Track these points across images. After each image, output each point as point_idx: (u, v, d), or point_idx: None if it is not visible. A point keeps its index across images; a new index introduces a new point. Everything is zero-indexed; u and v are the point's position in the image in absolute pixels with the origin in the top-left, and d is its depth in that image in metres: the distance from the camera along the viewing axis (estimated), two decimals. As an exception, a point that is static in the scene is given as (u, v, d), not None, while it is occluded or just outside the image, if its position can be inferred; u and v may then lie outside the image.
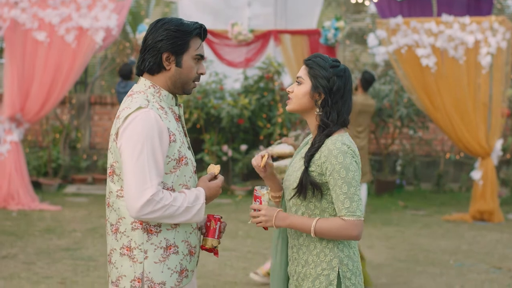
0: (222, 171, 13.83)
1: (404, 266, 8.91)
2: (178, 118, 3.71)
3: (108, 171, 3.64)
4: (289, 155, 7.51)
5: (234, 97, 14.26)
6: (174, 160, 3.54)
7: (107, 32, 12.10)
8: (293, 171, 3.77)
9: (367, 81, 11.66)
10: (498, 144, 12.18)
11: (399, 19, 12.27)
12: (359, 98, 11.55)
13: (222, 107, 13.86)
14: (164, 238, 3.56)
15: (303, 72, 3.74)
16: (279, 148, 7.54)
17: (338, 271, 3.62)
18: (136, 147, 3.43)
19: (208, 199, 3.66)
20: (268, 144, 13.70)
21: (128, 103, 3.57)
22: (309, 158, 3.64)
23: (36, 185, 13.38)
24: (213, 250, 3.79)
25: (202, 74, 3.72)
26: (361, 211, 3.57)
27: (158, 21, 3.66)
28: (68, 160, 14.85)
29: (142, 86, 3.65)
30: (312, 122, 3.74)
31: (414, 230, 11.19)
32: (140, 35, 12.87)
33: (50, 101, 12.12)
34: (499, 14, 15.73)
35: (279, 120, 13.72)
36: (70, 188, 14.11)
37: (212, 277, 8.08)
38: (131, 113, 3.48)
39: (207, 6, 15.72)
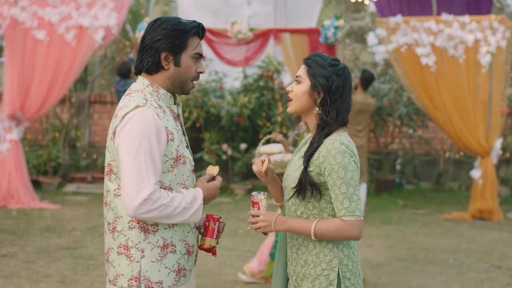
0: (222, 170, 13.90)
1: (404, 265, 8.92)
2: (177, 117, 3.71)
3: (106, 169, 3.63)
4: (278, 153, 7.54)
5: (233, 95, 14.26)
6: (172, 159, 3.53)
7: (107, 30, 12.10)
8: (292, 170, 3.76)
9: (367, 80, 11.66)
10: (498, 143, 12.18)
11: (398, 18, 12.27)
12: (358, 97, 11.55)
13: (222, 106, 13.86)
14: (161, 237, 3.56)
15: (302, 71, 3.73)
16: (267, 148, 7.55)
17: (338, 271, 3.62)
18: (133, 145, 3.43)
19: (206, 200, 3.66)
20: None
21: (125, 102, 3.57)
22: (308, 158, 3.63)
23: (36, 184, 13.38)
24: (211, 250, 3.79)
25: (201, 72, 3.72)
26: (360, 211, 3.56)
27: (155, 20, 3.65)
28: (67, 159, 14.85)
29: (140, 84, 3.65)
30: (312, 121, 3.73)
31: (413, 229, 11.20)
32: (140, 34, 12.86)
33: (50, 99, 12.12)
34: (498, 13, 15.74)
35: (279, 119, 13.72)
36: (70, 187, 14.11)
37: (212, 276, 8.09)
38: (129, 112, 3.48)
39: (206, 5, 15.71)
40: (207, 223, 3.76)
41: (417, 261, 9.14)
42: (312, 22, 15.10)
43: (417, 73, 12.27)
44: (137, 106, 3.48)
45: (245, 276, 7.86)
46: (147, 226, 3.54)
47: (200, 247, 3.78)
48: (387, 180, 14.73)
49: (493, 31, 11.89)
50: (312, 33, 13.26)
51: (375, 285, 8.02)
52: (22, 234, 9.93)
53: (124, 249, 3.57)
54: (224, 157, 14.10)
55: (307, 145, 3.77)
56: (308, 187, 3.61)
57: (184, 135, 3.74)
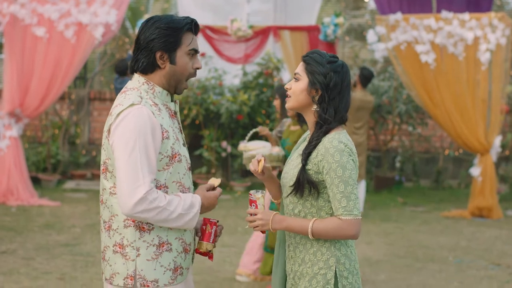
0: (221, 167, 13.91)
1: (403, 263, 8.92)
2: (174, 115, 3.69)
3: (101, 168, 3.62)
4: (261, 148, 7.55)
5: (233, 93, 14.25)
6: (167, 157, 3.52)
7: (107, 27, 12.09)
8: (290, 168, 3.75)
9: (366, 77, 11.68)
10: (497, 140, 12.18)
11: (398, 16, 12.26)
12: (357, 94, 11.57)
13: (221, 103, 13.85)
14: (157, 236, 3.55)
15: (300, 68, 3.71)
16: (251, 145, 7.55)
17: (335, 270, 3.60)
18: (128, 144, 3.42)
19: (204, 208, 3.63)
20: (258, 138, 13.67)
21: (121, 100, 3.55)
22: (306, 156, 3.62)
23: (35, 181, 13.38)
24: (208, 254, 3.76)
25: (198, 68, 3.69)
26: (358, 210, 3.54)
27: (148, 20, 3.63)
28: (67, 156, 14.85)
29: (136, 82, 3.63)
30: (310, 118, 3.71)
31: (413, 226, 11.20)
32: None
33: (49, 96, 12.11)
34: (498, 10, 15.75)
35: (278, 116, 13.70)
36: (69, 184, 14.11)
37: (211, 273, 8.09)
38: (123, 110, 3.47)
39: (206, 2, 15.70)
40: (204, 227, 3.74)
41: (417, 259, 9.14)
42: (311, 20, 15.09)
43: (416, 71, 12.27)
44: (132, 104, 3.47)
45: (242, 277, 7.87)
46: (142, 225, 3.53)
47: (197, 251, 3.75)
48: (386, 177, 14.74)
49: (493, 29, 11.88)
50: (311, 30, 13.27)
51: (374, 282, 8.03)
52: (21, 231, 9.93)
53: (119, 247, 3.56)
54: (223, 154, 14.10)
55: (305, 143, 3.75)
56: (306, 185, 3.60)
57: (181, 132, 3.73)
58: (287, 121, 7.62)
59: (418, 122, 14.93)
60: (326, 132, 3.63)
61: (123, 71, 13.08)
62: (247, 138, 7.63)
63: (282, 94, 7.88)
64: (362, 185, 11.78)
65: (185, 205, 3.52)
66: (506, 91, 13.12)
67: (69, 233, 9.90)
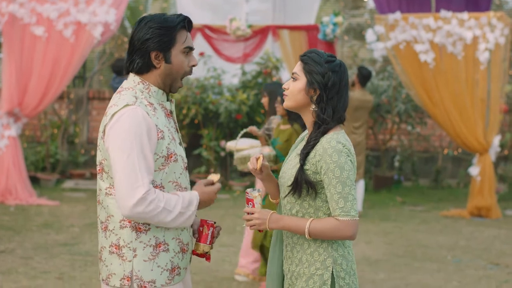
0: (220, 167, 13.91)
1: (402, 262, 8.92)
2: (170, 114, 3.68)
3: (98, 168, 3.61)
4: (249, 148, 7.54)
5: (232, 92, 14.24)
6: (163, 157, 3.51)
7: (106, 27, 12.08)
8: (288, 168, 3.73)
9: (364, 76, 11.69)
10: (496, 140, 12.18)
11: (397, 15, 12.26)
12: (356, 93, 11.58)
13: (220, 103, 13.85)
14: (154, 236, 3.53)
15: (298, 68, 3.70)
16: (241, 144, 7.55)
17: (332, 271, 3.60)
18: (124, 145, 3.40)
19: (202, 203, 3.62)
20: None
21: (116, 100, 3.54)
22: (304, 156, 3.61)
23: (34, 180, 13.38)
24: (205, 256, 3.75)
25: (194, 66, 3.68)
26: (355, 211, 3.53)
27: (141, 20, 3.61)
28: (66, 155, 14.84)
29: (131, 82, 3.62)
30: (308, 118, 3.70)
31: (412, 225, 11.20)
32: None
33: (48, 95, 12.11)
34: (497, 9, 15.75)
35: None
36: (68, 183, 14.11)
37: (210, 273, 8.09)
38: (118, 111, 3.46)
39: (205, 1, 15.70)
40: (201, 228, 3.73)
41: (415, 258, 9.14)
42: (310, 19, 15.09)
43: (415, 70, 12.27)
44: (126, 105, 3.46)
45: (240, 277, 7.87)
46: (138, 225, 3.52)
47: (193, 252, 3.74)
48: (385, 177, 14.73)
49: (492, 28, 11.88)
50: (310, 29, 13.28)
51: (373, 281, 8.03)
52: (20, 230, 9.92)
53: (115, 248, 3.55)
54: (222, 153, 14.10)
55: (303, 142, 3.75)
56: (304, 185, 3.59)
57: (177, 131, 3.71)
58: (275, 119, 7.60)
59: (417, 121, 14.93)
60: (324, 132, 3.62)
61: (121, 71, 13.08)
62: (238, 138, 7.61)
63: (270, 91, 7.88)
64: (361, 184, 11.78)
65: (184, 203, 3.51)
66: (505, 90, 13.12)
67: (67, 232, 9.90)
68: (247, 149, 7.54)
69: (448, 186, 15.02)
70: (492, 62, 11.98)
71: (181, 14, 3.64)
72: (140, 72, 3.59)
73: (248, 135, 7.85)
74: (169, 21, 3.56)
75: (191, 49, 3.64)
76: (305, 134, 3.83)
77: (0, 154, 11.95)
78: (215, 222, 3.76)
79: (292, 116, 7.18)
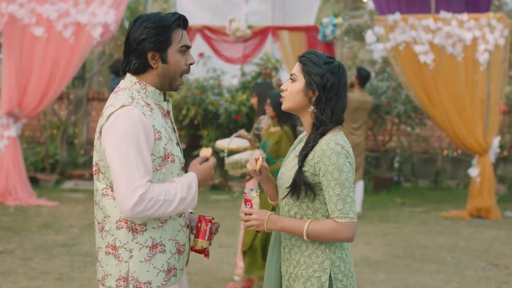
0: (220, 168, 13.89)
1: (401, 263, 8.92)
2: (167, 114, 3.66)
3: (94, 169, 3.60)
4: (245, 149, 7.52)
5: (231, 93, 14.24)
6: (159, 157, 3.49)
7: (105, 27, 12.09)
8: (286, 169, 3.72)
9: (363, 77, 11.70)
10: (496, 141, 12.18)
11: (397, 16, 12.26)
12: (355, 95, 11.57)
13: (220, 103, 13.85)
14: (150, 237, 3.52)
15: (296, 69, 3.69)
16: (235, 143, 7.53)
17: (330, 273, 3.58)
18: (121, 146, 3.39)
19: (201, 182, 3.60)
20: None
21: (112, 101, 3.52)
22: (303, 157, 3.60)
23: (34, 181, 13.37)
24: (203, 252, 3.74)
25: (191, 64, 3.65)
26: (354, 213, 3.52)
27: (136, 20, 3.59)
28: (65, 156, 14.84)
29: (128, 82, 3.60)
30: (307, 120, 3.69)
31: (411, 227, 11.20)
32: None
33: (47, 96, 12.11)
34: (497, 11, 15.75)
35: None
36: (68, 184, 14.10)
37: (209, 273, 8.08)
38: (114, 112, 3.44)
39: (205, 2, 15.71)
40: (199, 224, 3.71)
41: (415, 259, 9.14)
42: (310, 20, 15.09)
43: (415, 71, 12.27)
44: (123, 106, 3.44)
45: (240, 278, 7.87)
46: (135, 226, 3.50)
47: (192, 249, 3.73)
48: (385, 178, 14.73)
49: (491, 29, 11.88)
50: (310, 30, 13.29)
51: (373, 282, 8.03)
52: (19, 231, 9.92)
53: (112, 249, 3.54)
54: (222, 154, 14.09)
55: (302, 144, 3.74)
56: (303, 187, 3.58)
57: (174, 132, 3.69)
58: (264, 118, 7.58)
59: (416, 122, 14.92)
60: (323, 133, 3.61)
61: (119, 72, 13.07)
62: (229, 141, 7.59)
63: (259, 92, 7.88)
64: (360, 185, 11.78)
65: (183, 188, 3.49)
66: (505, 91, 13.12)
67: (67, 233, 9.90)
68: (238, 148, 7.51)
69: (448, 187, 15.02)
70: (491, 63, 11.98)
71: (176, 13, 3.62)
72: (137, 72, 3.58)
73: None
74: (164, 20, 3.54)
75: (187, 47, 3.61)
76: (304, 135, 3.82)
77: (0, 155, 11.95)
78: (213, 218, 3.75)
79: (282, 118, 7.16)
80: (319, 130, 3.61)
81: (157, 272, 3.54)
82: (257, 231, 3.74)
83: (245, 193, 3.75)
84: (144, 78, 3.58)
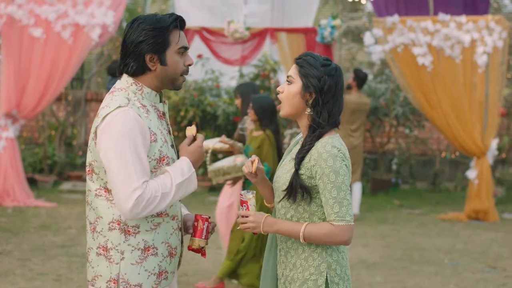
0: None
1: (399, 265, 8.92)
2: (162, 116, 3.63)
3: (87, 169, 3.57)
4: (227, 151, 7.51)
5: (230, 94, 14.24)
6: (155, 160, 3.46)
7: (104, 29, 12.08)
8: (283, 172, 3.70)
9: (361, 79, 11.72)
10: (494, 143, 12.19)
11: (395, 18, 12.26)
12: (353, 96, 11.59)
13: (218, 105, 13.86)
14: (143, 240, 3.49)
15: (293, 71, 3.66)
16: (219, 144, 7.52)
17: (326, 276, 3.57)
18: (118, 147, 3.36)
19: (194, 163, 3.55)
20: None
21: (108, 101, 3.48)
22: (299, 160, 3.58)
23: (32, 182, 13.36)
24: (200, 251, 3.71)
25: (190, 65, 3.61)
26: (350, 216, 3.50)
27: (133, 21, 3.55)
28: (63, 157, 14.83)
29: (124, 83, 3.56)
30: (303, 122, 3.67)
31: (409, 229, 11.20)
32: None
33: (46, 97, 12.10)
34: (495, 13, 15.75)
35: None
36: (66, 185, 14.10)
37: (206, 275, 8.08)
38: (110, 113, 3.40)
39: (203, 3, 15.72)
40: (195, 223, 3.69)
41: (413, 261, 9.14)
42: (308, 22, 15.10)
43: (413, 73, 12.27)
44: (119, 107, 3.41)
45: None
46: (127, 228, 3.47)
47: (189, 248, 3.70)
48: (383, 180, 14.74)
49: (490, 31, 11.89)
50: (308, 32, 13.29)
51: (370, 284, 8.02)
52: (17, 231, 9.91)
53: (103, 250, 3.51)
54: (220, 156, 14.08)
55: (298, 146, 3.72)
56: (299, 190, 3.56)
57: (169, 133, 3.66)
58: (248, 118, 7.57)
59: (415, 124, 14.93)
60: (320, 136, 3.59)
61: (116, 73, 13.06)
62: (214, 142, 7.57)
63: (242, 92, 7.89)
64: (358, 187, 11.78)
65: (176, 176, 3.45)
66: (503, 93, 13.12)
67: (65, 234, 9.90)
68: (222, 148, 7.49)
69: (446, 189, 15.03)
70: (490, 66, 11.99)
71: (173, 14, 3.58)
72: (135, 75, 3.54)
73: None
74: (162, 22, 3.50)
75: (186, 48, 3.58)
76: (300, 138, 3.80)
77: (-2, 156, 11.96)
78: (209, 217, 3.72)
79: (264, 122, 7.14)
80: (316, 132, 3.59)
81: (148, 274, 3.51)
82: (254, 233, 3.72)
83: (241, 195, 3.74)
84: (142, 80, 3.55)
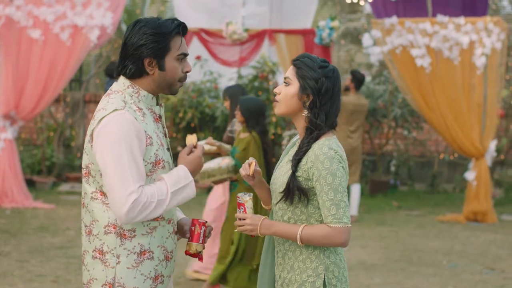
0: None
1: (398, 266, 8.92)
2: (159, 119, 3.61)
3: (84, 171, 3.55)
4: (215, 152, 7.49)
5: (228, 96, 14.22)
6: (150, 163, 3.44)
7: (102, 30, 12.08)
8: (279, 174, 3.70)
9: (359, 80, 11.73)
10: (492, 145, 12.19)
11: (394, 19, 12.27)
12: (351, 98, 11.59)
13: (217, 106, 13.85)
14: (138, 243, 3.47)
15: (291, 72, 3.65)
16: (207, 145, 7.51)
17: (324, 278, 3.57)
18: (114, 150, 3.34)
19: (192, 172, 3.53)
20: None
21: (104, 104, 3.46)
22: (296, 162, 3.57)
23: (30, 183, 13.36)
24: (198, 255, 3.70)
25: (188, 72, 3.59)
26: (347, 218, 3.50)
27: (135, 24, 3.52)
28: (62, 158, 14.83)
29: (121, 85, 3.54)
30: (300, 124, 3.66)
31: (408, 230, 11.20)
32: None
33: (44, 98, 12.10)
34: (494, 14, 15.76)
35: (273, 119, 13.70)
36: (64, 186, 14.09)
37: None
38: (106, 115, 3.38)
39: (202, 5, 15.71)
40: (192, 228, 3.67)
41: (411, 263, 9.14)
42: (307, 23, 15.09)
43: (412, 75, 12.28)
44: (115, 110, 3.39)
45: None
46: (123, 232, 3.46)
47: (186, 253, 3.69)
48: (381, 181, 14.74)
49: (488, 33, 11.90)
50: (307, 34, 13.28)
51: (369, 286, 8.02)
52: (16, 233, 9.91)
53: (99, 253, 3.50)
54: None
55: (295, 148, 3.71)
56: (296, 192, 3.55)
57: (165, 137, 3.64)
58: (237, 120, 7.56)
59: (413, 126, 14.94)
60: (317, 137, 3.58)
61: (113, 74, 13.05)
62: (203, 143, 7.57)
63: (231, 94, 7.88)
64: (357, 188, 11.79)
65: (172, 182, 3.43)
66: (501, 95, 13.14)
67: (63, 235, 9.89)
68: (209, 150, 7.47)
69: (444, 191, 15.03)
70: (488, 67, 11.99)
71: (175, 19, 3.55)
72: (132, 77, 3.52)
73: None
74: (164, 27, 3.47)
75: (185, 55, 3.56)
76: (297, 140, 3.79)
77: (-4, 157, 11.95)
78: (206, 221, 3.71)
79: (250, 123, 7.12)
80: (313, 134, 3.59)
81: (144, 279, 3.49)
82: (252, 236, 3.71)
83: (238, 197, 3.73)
84: (139, 83, 3.52)
